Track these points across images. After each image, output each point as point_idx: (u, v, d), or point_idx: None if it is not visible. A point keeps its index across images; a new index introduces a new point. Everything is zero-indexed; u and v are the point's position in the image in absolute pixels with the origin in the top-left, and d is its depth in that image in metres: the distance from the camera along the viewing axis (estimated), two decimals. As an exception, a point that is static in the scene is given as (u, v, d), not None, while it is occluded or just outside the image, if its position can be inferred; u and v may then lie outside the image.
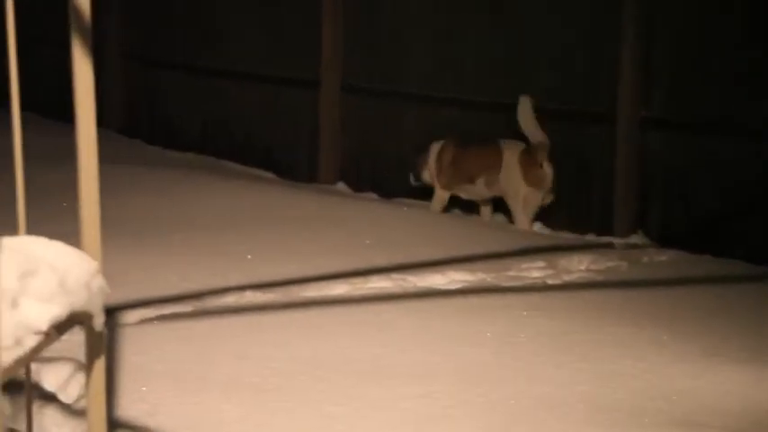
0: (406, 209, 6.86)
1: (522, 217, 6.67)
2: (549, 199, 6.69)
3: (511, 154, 6.66)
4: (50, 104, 9.80)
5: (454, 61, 7.62)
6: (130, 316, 4.54)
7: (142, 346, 4.13)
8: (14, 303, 2.23)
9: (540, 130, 6.57)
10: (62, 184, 5.77)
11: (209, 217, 6.40)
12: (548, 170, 6.55)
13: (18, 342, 2.21)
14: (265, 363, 4.00)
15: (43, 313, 2.31)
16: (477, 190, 6.95)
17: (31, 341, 2.25)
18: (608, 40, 6.82)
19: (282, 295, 4.92)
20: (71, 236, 2.70)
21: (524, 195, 6.61)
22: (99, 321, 2.51)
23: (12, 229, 2.45)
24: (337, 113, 8.26)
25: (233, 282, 5.04)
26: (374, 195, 7.90)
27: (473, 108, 7.45)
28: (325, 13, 8.23)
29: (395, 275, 5.22)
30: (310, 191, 7.57)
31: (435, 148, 7.11)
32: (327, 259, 5.53)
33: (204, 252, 5.59)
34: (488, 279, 5.31)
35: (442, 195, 7.15)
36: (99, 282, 2.47)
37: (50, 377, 3.48)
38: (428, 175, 7.15)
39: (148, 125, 9.70)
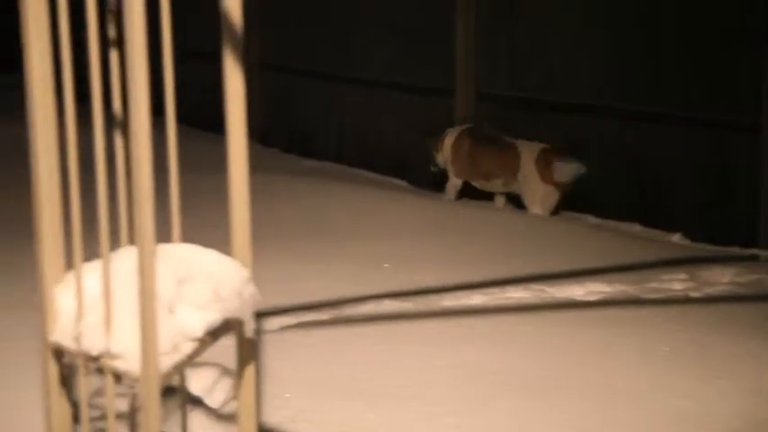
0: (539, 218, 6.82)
1: (540, 211, 7.00)
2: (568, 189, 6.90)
3: (528, 155, 7.01)
4: (193, 114, 10.00)
5: (583, 68, 7.56)
6: (271, 323, 4.60)
7: (283, 353, 4.18)
8: (171, 310, 2.29)
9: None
10: (211, 192, 5.88)
11: (345, 225, 6.46)
12: (565, 168, 6.88)
13: (175, 348, 2.26)
14: (404, 371, 4.02)
15: (199, 320, 2.36)
16: (491, 186, 7.33)
17: (187, 347, 2.31)
18: (755, 47, 6.68)
19: (420, 304, 4.93)
20: (221, 243, 2.76)
21: (542, 195, 6.94)
22: (250, 328, 2.56)
23: (168, 237, 2.51)
24: (472, 121, 8.25)
25: (371, 290, 5.07)
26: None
27: (595, 114, 7.38)
28: (459, 22, 8.23)
29: (533, 286, 5.19)
30: (443, 200, 7.59)
31: (452, 135, 7.47)
32: (463, 268, 5.52)
33: (341, 260, 5.64)
34: (628, 291, 5.24)
35: (455, 182, 7.56)
36: (250, 289, 2.52)
37: (197, 381, 3.54)
38: (442, 159, 7.51)
39: (285, 134, 9.83)
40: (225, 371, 3.62)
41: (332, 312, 4.77)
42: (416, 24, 8.66)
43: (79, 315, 2.29)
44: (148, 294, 2.12)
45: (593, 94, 7.55)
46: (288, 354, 4.18)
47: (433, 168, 7.67)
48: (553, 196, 6.89)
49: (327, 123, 9.45)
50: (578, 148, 7.44)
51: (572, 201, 7.45)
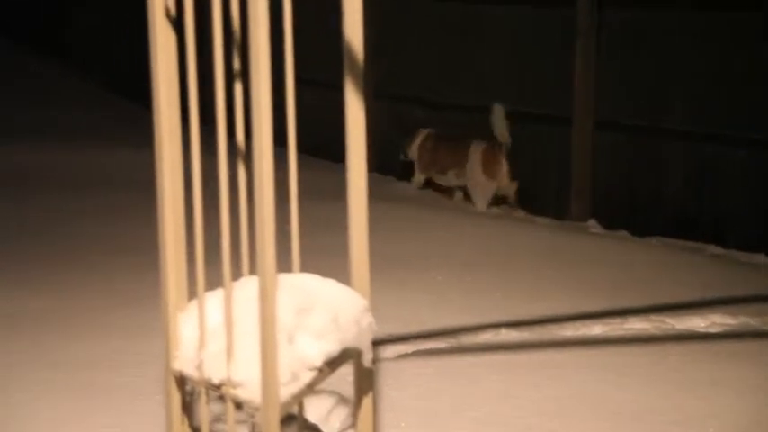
0: (655, 242, 6.70)
1: (479, 202, 7.94)
2: (511, 189, 7.97)
3: (475, 150, 7.91)
4: (308, 142, 10.06)
5: (715, 98, 7.43)
6: (387, 351, 4.59)
7: (399, 381, 4.17)
8: (291, 339, 2.30)
9: (507, 132, 7.82)
10: (327, 219, 5.92)
11: (459, 253, 6.43)
12: (504, 166, 7.83)
13: (294, 377, 2.27)
14: (521, 402, 3.97)
15: (318, 350, 2.37)
16: (446, 179, 8.25)
17: (307, 377, 2.31)
18: None
19: (538, 334, 4.88)
20: (338, 271, 2.77)
21: (482, 185, 7.85)
22: (368, 358, 2.56)
23: (288, 265, 2.52)
24: (589, 150, 8.17)
25: (487, 319, 5.04)
26: (626, 233, 7.77)
27: (719, 142, 7.24)
28: (579, 51, 8.17)
29: (653, 317, 5.10)
30: (560, 228, 7.52)
31: (422, 134, 8.44)
32: (581, 298, 5.45)
33: (457, 288, 5.62)
34: (752, 323, 5.12)
35: (419, 177, 8.54)
36: (368, 319, 2.52)
37: (314, 409, 3.55)
38: (411, 154, 8.48)
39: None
40: (341, 399, 3.63)
41: (448, 341, 4.75)
42: (533, 52, 8.62)
43: (201, 343, 2.31)
44: (270, 324, 2.13)
45: (717, 122, 7.42)
46: (404, 382, 4.17)
47: (402, 157, 8.65)
48: (490, 187, 7.81)
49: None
50: (701, 176, 7.31)
51: (694, 230, 7.31)
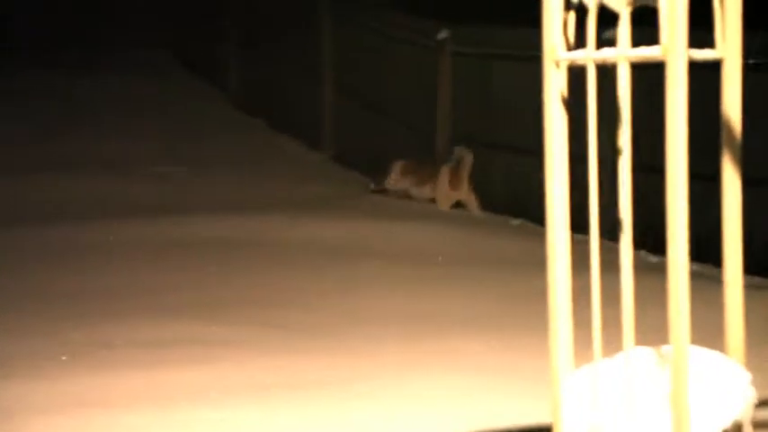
0: None
1: (443, 205, 10.08)
2: (469, 198, 10.04)
3: (444, 170, 10.02)
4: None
5: None
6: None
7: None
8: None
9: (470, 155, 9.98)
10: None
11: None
12: (464, 180, 9.99)
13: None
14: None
15: (708, 425, 2.34)
16: (423, 191, 10.31)
17: (708, 450, 2.28)
18: None
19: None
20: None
21: (446, 195, 10.07)
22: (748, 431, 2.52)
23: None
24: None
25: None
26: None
27: None
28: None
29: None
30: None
31: (399, 164, 10.48)
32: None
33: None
34: None
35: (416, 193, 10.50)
36: (750, 392, 2.48)
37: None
38: (390, 182, 10.45)
39: (639, 229, 9.72)
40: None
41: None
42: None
43: (592, 411, 2.31)
44: (682, 402, 2.11)
45: None
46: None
47: (372, 187, 10.61)
48: (452, 198, 10.05)
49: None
50: None
51: None
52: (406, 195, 10.51)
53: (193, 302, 6.47)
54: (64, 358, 5.40)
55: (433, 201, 10.35)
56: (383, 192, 10.54)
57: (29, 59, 14.55)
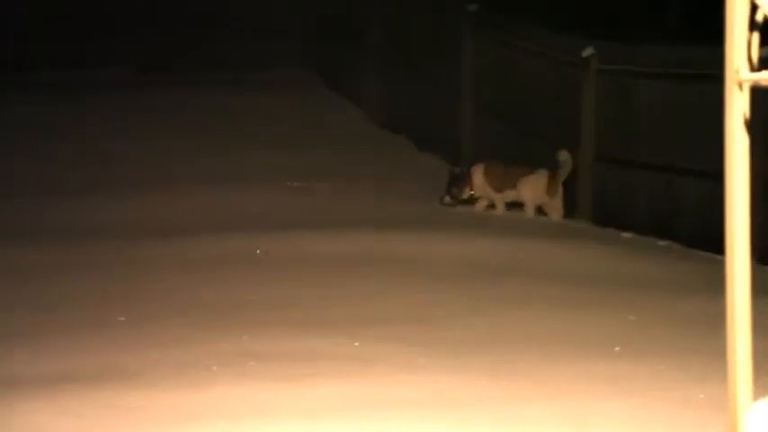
0: None
1: (531, 210, 10.03)
2: (557, 205, 9.89)
3: (543, 173, 9.85)
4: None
5: None
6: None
7: None
8: None
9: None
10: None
11: None
12: (560, 186, 9.84)
13: None
14: None
15: None
16: (504, 196, 10.12)
17: None
18: None
19: None
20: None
21: (541, 198, 9.95)
22: None
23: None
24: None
25: None
26: None
27: None
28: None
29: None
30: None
31: (479, 168, 10.19)
32: None
33: None
34: None
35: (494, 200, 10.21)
36: None
37: None
38: (474, 186, 10.11)
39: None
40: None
41: None
42: None
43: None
44: None
45: None
46: None
47: (447, 200, 10.14)
48: (546, 204, 9.94)
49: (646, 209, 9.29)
50: None
51: None
52: (484, 200, 10.14)
53: (343, 317, 6.52)
54: (215, 368, 5.48)
55: (514, 204, 10.08)
56: (455, 204, 10.12)
57: (192, 78, 15.04)
